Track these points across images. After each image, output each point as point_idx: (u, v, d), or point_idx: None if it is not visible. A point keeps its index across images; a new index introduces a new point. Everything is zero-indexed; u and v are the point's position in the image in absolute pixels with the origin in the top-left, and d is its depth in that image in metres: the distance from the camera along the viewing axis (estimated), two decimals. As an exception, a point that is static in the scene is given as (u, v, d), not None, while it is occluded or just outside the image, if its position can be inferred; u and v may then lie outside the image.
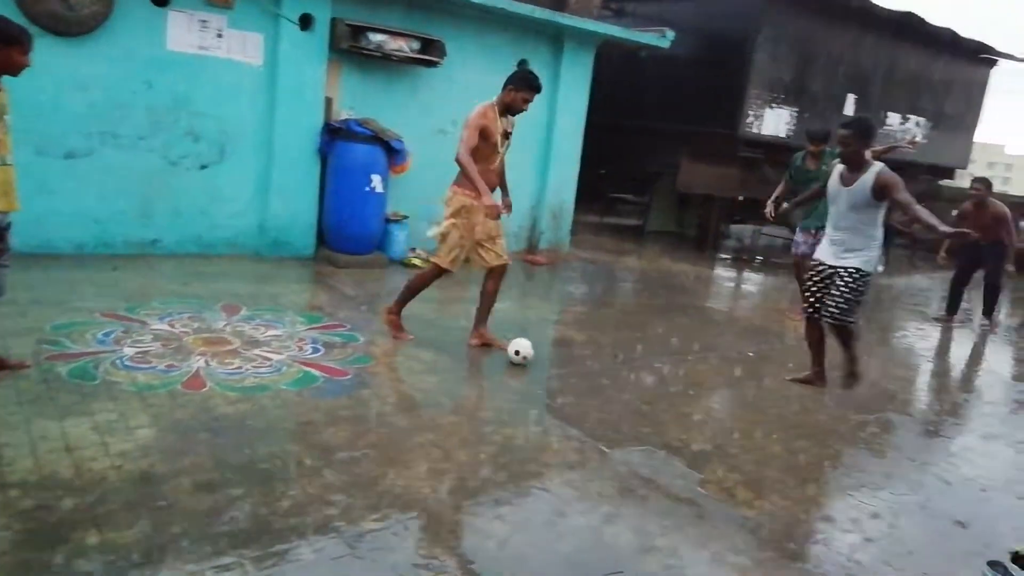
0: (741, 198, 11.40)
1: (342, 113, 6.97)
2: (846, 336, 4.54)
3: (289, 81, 6.59)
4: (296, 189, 6.82)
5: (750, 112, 9.75)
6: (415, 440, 3.40)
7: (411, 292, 4.91)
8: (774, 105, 9.90)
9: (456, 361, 4.59)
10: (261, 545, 2.46)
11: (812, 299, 4.65)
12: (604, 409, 4.09)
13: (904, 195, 4.21)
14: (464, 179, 4.60)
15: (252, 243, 6.77)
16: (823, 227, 6.70)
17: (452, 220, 4.64)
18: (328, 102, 6.93)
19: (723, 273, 9.76)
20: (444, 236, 4.67)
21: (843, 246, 4.44)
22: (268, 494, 2.77)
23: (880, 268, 9.73)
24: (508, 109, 4.67)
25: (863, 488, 3.52)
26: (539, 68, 8.17)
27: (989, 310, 7.70)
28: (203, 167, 6.45)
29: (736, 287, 9.18)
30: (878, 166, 4.28)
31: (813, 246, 6.79)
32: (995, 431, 4.60)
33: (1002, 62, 13.13)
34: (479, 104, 4.63)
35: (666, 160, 10.47)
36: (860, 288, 4.40)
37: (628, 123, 10.50)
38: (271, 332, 4.65)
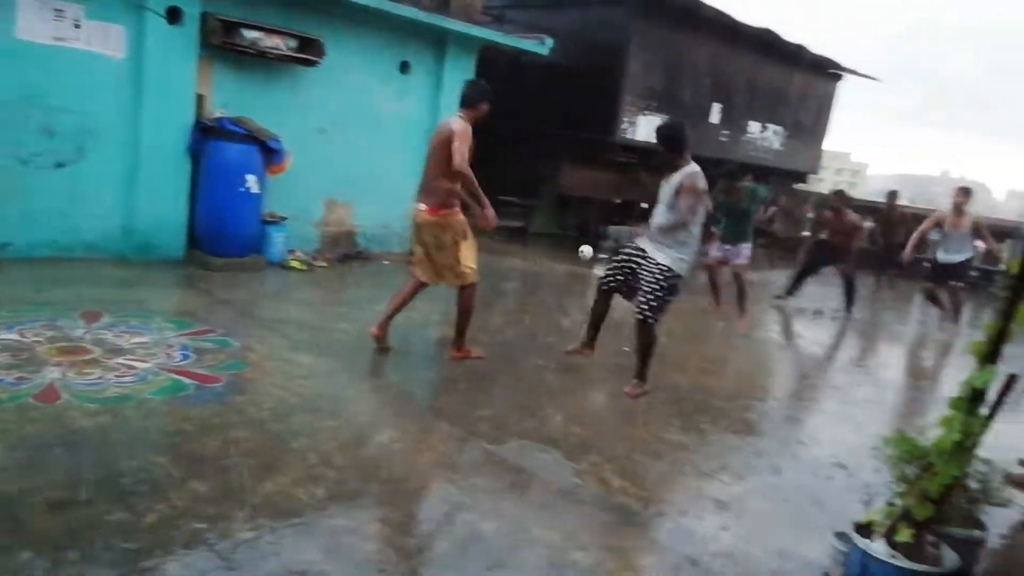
0: (618, 201, 11.82)
1: (215, 112, 6.69)
2: (645, 336, 4.61)
3: (156, 76, 6.26)
4: (165, 189, 6.49)
5: (625, 119, 10.16)
6: (291, 446, 3.33)
7: (467, 319, 4.87)
8: (647, 112, 10.36)
9: (335, 364, 4.52)
10: (123, 564, 2.33)
11: (612, 273, 4.87)
12: (486, 406, 4.15)
13: (687, 201, 4.42)
14: (451, 198, 4.61)
15: (116, 246, 6.37)
16: (741, 241, 7.41)
17: (467, 241, 4.74)
18: (200, 100, 6.64)
19: (601, 272, 10.09)
20: (462, 258, 4.72)
21: (657, 241, 4.60)
22: (131, 510, 2.64)
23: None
24: (474, 124, 4.69)
25: (726, 470, 3.76)
26: (422, 71, 8.20)
27: (849, 304, 8.48)
28: (59, 165, 6.01)
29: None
30: (690, 168, 4.51)
31: (728, 253, 7.41)
32: (843, 413, 5.02)
33: (847, 77, 14.32)
34: (455, 121, 4.58)
35: (548, 164, 10.73)
36: (666, 287, 4.52)
37: (512, 128, 10.66)
38: (136, 339, 4.41)
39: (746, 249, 7.46)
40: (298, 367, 4.36)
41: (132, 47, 6.15)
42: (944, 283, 8.44)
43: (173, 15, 6.24)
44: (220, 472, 2.99)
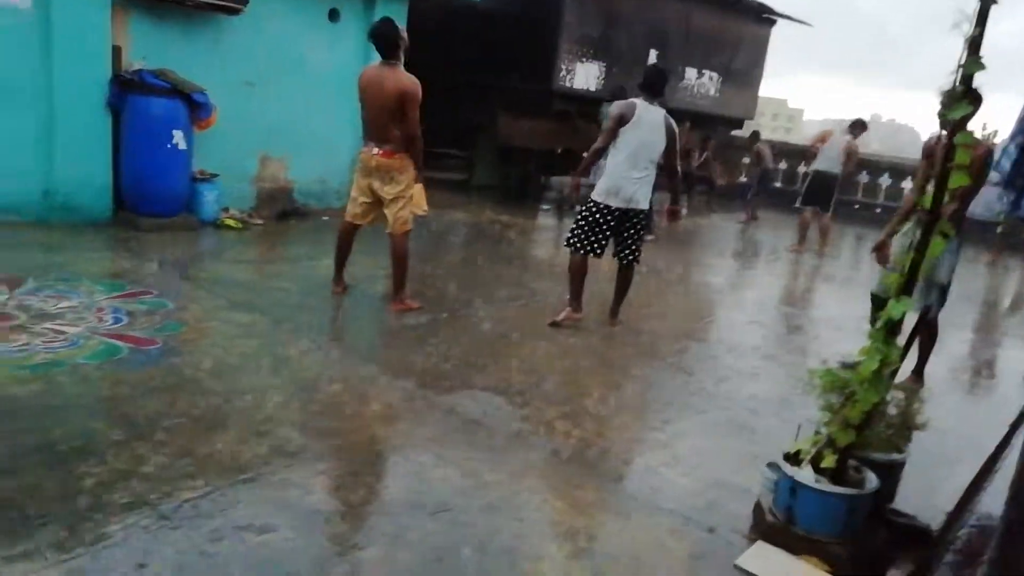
0: (559, 150, 11.80)
1: (133, 64, 6.36)
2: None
3: (66, 27, 5.90)
4: (85, 148, 6.18)
5: (563, 66, 10.07)
6: (234, 405, 3.29)
7: (404, 268, 4.99)
8: (584, 60, 10.29)
9: (276, 323, 4.46)
10: (61, 528, 2.30)
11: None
12: (431, 359, 4.18)
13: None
14: (404, 145, 4.72)
15: (35, 209, 6.07)
16: None
17: (416, 188, 4.92)
18: (116, 51, 6.30)
19: (544, 222, 10.15)
20: (410, 204, 4.91)
21: None
22: (68, 474, 2.59)
23: (685, 211, 10.57)
24: None
25: (667, 409, 3.89)
26: (352, 19, 7.95)
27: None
28: (-35, 124, 5.66)
29: (556, 236, 9.57)
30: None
31: None
32: (771, 352, 5.22)
33: (781, 22, 14.45)
34: (405, 77, 4.63)
35: (486, 114, 10.59)
36: (581, 210, 5.06)
37: (448, 78, 10.47)
38: (64, 304, 4.25)
39: None
40: (237, 327, 4.29)
41: (38, -5, 5.78)
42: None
43: (82, -40, 5.87)
44: (161, 434, 2.95)
